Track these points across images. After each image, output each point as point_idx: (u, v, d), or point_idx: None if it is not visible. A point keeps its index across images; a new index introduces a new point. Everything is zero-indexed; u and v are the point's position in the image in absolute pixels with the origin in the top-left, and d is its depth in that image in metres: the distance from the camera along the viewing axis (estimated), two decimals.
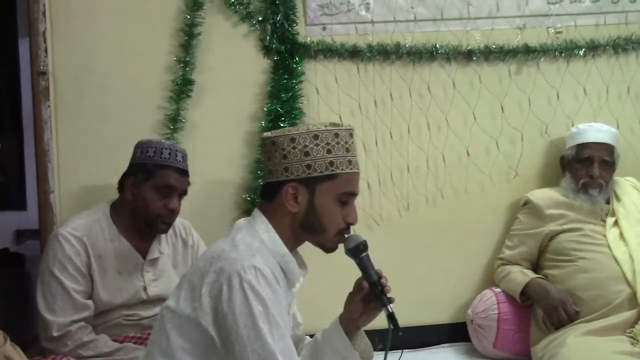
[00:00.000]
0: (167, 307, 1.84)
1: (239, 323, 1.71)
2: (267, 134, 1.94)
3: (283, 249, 1.89)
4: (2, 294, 4.63)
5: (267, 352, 1.70)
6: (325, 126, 1.92)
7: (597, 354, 2.74)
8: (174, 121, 3.18)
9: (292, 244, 1.93)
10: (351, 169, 1.91)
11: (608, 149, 3.33)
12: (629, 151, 3.65)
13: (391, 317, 1.94)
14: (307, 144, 1.86)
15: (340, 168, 1.88)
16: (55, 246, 2.58)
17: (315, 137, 1.87)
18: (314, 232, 1.92)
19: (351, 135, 1.94)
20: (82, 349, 2.49)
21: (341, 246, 1.98)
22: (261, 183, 1.99)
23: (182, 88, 3.19)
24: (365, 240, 1.97)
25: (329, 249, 1.96)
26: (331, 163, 1.87)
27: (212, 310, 1.75)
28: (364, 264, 1.96)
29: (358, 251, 1.95)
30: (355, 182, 1.95)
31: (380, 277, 1.96)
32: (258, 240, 1.86)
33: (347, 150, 1.90)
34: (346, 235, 1.95)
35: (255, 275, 1.74)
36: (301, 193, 1.88)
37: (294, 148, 1.86)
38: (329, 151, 1.87)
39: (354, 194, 1.94)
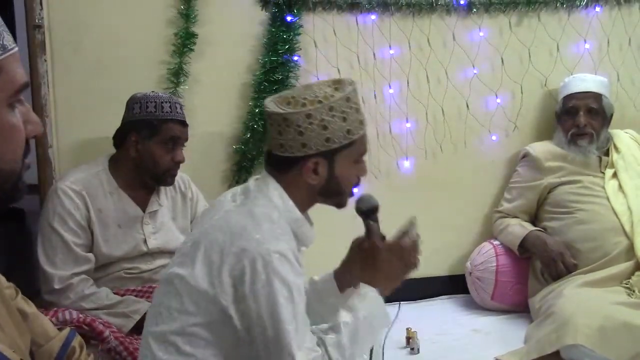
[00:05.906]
0: (179, 276, 1.76)
1: (261, 305, 1.68)
2: (274, 108, 1.84)
3: (297, 214, 1.85)
4: (2, 248, 4.64)
5: (282, 336, 1.67)
6: (330, 86, 1.85)
7: (594, 304, 2.76)
8: (177, 75, 3.13)
9: (306, 206, 1.91)
10: (362, 129, 1.88)
11: (594, 96, 3.32)
12: (630, 103, 3.64)
13: None
14: (323, 117, 1.79)
15: (356, 133, 1.84)
16: (54, 200, 2.59)
17: (331, 109, 1.80)
18: (333, 196, 1.90)
19: (355, 89, 1.89)
20: (84, 301, 2.51)
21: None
22: (267, 152, 1.93)
23: (185, 41, 3.13)
24: (378, 205, 1.97)
25: (342, 206, 1.95)
26: (348, 131, 1.82)
27: (232, 289, 1.70)
28: (372, 228, 1.97)
29: (371, 213, 1.97)
30: (366, 139, 1.92)
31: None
32: (275, 210, 1.81)
33: (357, 110, 1.86)
34: (355, 190, 1.95)
35: (280, 260, 1.70)
36: (321, 165, 1.84)
37: (311, 124, 1.78)
38: (344, 119, 1.81)
39: (366, 151, 1.93)
